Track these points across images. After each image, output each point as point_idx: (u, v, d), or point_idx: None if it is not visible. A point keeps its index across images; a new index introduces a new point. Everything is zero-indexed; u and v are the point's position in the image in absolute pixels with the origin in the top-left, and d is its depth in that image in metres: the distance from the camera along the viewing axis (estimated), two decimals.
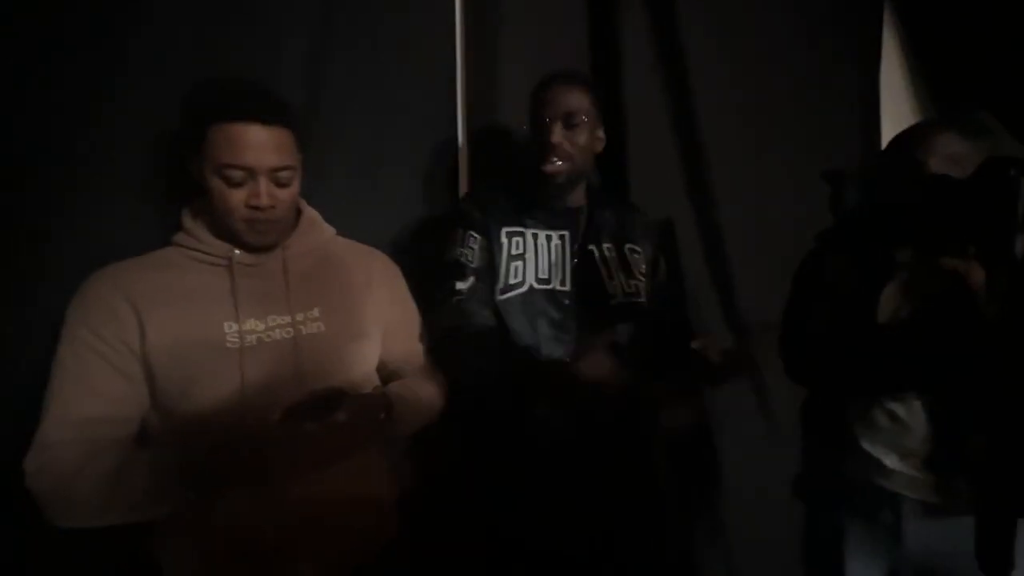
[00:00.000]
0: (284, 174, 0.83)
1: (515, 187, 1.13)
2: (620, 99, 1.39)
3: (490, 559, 1.07)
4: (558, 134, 1.03)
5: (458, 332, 1.04)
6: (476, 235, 1.07)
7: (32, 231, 0.93)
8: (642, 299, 1.13)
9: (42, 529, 0.74)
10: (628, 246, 1.15)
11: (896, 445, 0.91)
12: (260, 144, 0.79)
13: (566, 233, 1.10)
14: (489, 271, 1.07)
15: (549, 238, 1.09)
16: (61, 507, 0.74)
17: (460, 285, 1.04)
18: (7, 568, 0.90)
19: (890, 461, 0.92)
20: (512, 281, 1.06)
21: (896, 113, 1.61)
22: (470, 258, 1.06)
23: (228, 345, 0.82)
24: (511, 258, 1.07)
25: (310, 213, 0.98)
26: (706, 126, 1.43)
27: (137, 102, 0.99)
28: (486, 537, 1.08)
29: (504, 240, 1.07)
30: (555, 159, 1.03)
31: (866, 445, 0.94)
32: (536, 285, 1.07)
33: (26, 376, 0.79)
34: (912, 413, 0.90)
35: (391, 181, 1.26)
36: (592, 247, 1.12)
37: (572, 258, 1.10)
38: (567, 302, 1.07)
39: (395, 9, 1.24)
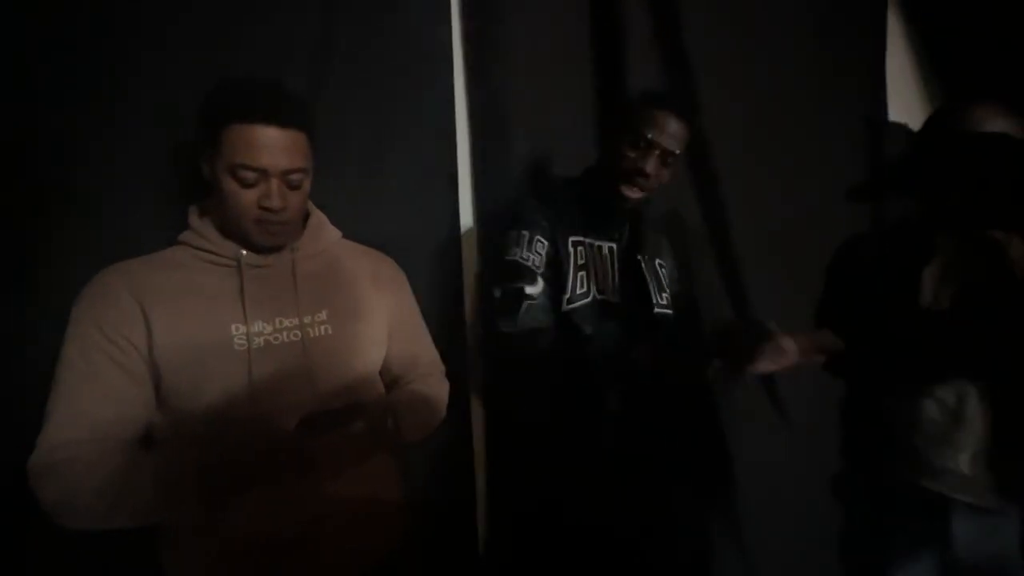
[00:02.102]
0: (296, 176, 0.83)
1: (572, 195, 1.12)
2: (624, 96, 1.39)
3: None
4: (654, 165, 1.00)
5: (534, 336, 1.02)
6: (544, 240, 1.05)
7: (41, 229, 0.92)
8: (670, 311, 1.16)
9: (45, 532, 0.73)
10: (658, 260, 1.18)
11: (947, 440, 0.87)
12: (275, 146, 0.79)
13: (614, 245, 1.12)
14: (554, 279, 1.05)
15: (600, 248, 1.11)
16: (67, 509, 0.73)
17: (531, 290, 1.02)
18: (9, 571, 0.88)
19: (940, 460, 0.87)
20: (579, 291, 1.06)
21: (903, 105, 1.64)
22: (537, 263, 1.04)
23: (236, 347, 0.82)
24: (577, 268, 1.06)
25: (318, 215, 0.97)
26: (709, 119, 1.43)
27: (144, 101, 0.98)
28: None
29: (571, 249, 1.06)
30: (640, 185, 1.02)
31: (913, 442, 0.90)
32: (598, 296, 1.07)
33: (35, 375, 0.77)
34: (966, 404, 0.86)
35: (390, 183, 1.25)
36: (638, 257, 1.14)
37: (621, 267, 1.11)
38: (617, 312, 1.09)
39: (394, 11, 1.24)
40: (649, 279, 1.13)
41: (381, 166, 1.24)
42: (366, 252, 1.04)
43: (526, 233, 1.05)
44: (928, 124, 0.91)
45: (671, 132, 1.00)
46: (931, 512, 0.90)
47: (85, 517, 0.73)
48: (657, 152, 1.00)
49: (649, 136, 0.99)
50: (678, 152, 1.02)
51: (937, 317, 0.86)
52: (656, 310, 1.12)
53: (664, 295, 1.15)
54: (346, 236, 1.02)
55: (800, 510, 1.26)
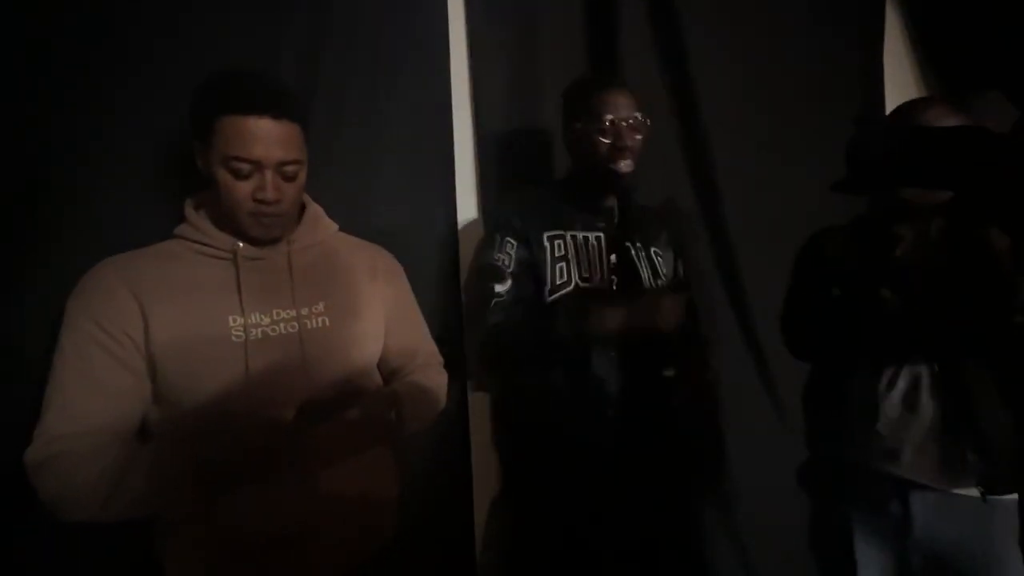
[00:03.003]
0: (291, 168, 0.83)
1: (555, 193, 1.17)
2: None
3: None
4: (628, 137, 1.07)
5: (502, 328, 1.08)
6: (513, 241, 1.11)
7: (38, 224, 0.92)
8: None
9: (44, 524, 0.74)
10: (653, 248, 1.19)
11: (903, 423, 0.90)
12: (269, 137, 0.79)
13: (601, 235, 1.14)
14: (528, 276, 1.11)
15: (587, 239, 1.13)
16: (63, 502, 0.73)
17: (499, 288, 1.09)
18: (6, 565, 0.88)
19: (896, 443, 0.91)
20: (559, 281, 1.10)
21: (900, 99, 1.64)
22: (507, 263, 1.10)
23: (233, 339, 0.81)
24: (555, 260, 1.10)
25: (314, 208, 0.97)
26: (707, 110, 1.44)
27: (140, 93, 0.98)
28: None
29: (546, 244, 1.11)
30: (628, 160, 1.08)
31: (871, 426, 0.93)
32: (581, 284, 1.10)
33: (34, 370, 0.77)
34: (919, 387, 0.90)
35: (387, 176, 1.25)
36: (628, 244, 1.16)
37: (609, 255, 1.13)
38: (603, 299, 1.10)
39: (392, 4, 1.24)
40: (640, 265, 1.15)
41: (378, 159, 1.24)
42: (363, 245, 1.04)
43: (498, 236, 1.13)
44: (891, 119, 0.95)
45: (624, 104, 1.08)
46: (891, 495, 0.94)
47: (81, 509, 0.73)
48: (624, 125, 1.07)
49: (609, 118, 1.07)
50: (636, 115, 1.08)
51: (897, 301, 0.90)
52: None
53: (659, 282, 1.16)
54: (343, 229, 1.02)
55: (797, 503, 1.26)
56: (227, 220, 0.84)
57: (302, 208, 0.95)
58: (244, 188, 0.80)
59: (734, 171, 1.47)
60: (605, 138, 1.07)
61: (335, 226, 1.00)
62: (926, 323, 0.88)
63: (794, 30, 1.56)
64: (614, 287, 1.11)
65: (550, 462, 1.11)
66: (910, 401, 0.91)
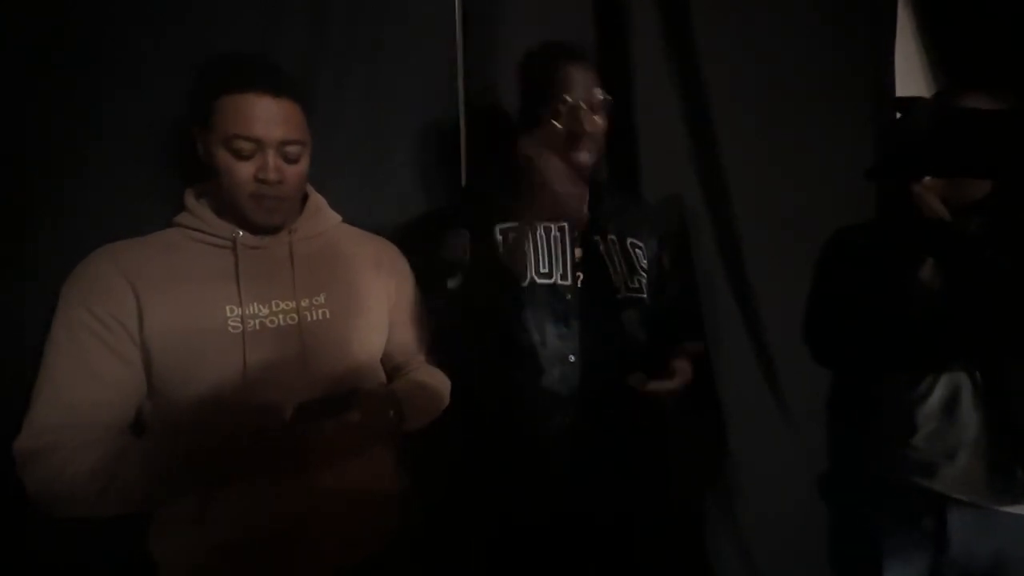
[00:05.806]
0: (293, 149, 0.81)
1: (513, 176, 1.03)
2: (629, 80, 1.36)
3: (495, 551, 1.04)
4: (590, 121, 0.97)
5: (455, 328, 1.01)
6: (466, 232, 1.03)
7: (37, 212, 0.90)
8: (644, 295, 1.07)
9: (32, 522, 0.71)
10: (630, 240, 1.09)
11: (942, 437, 0.86)
12: (270, 116, 0.77)
13: (565, 225, 1.04)
14: (482, 271, 1.02)
15: (548, 230, 1.03)
16: (53, 496, 0.70)
17: (451, 283, 1.00)
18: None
19: (935, 457, 0.86)
20: None
21: (911, 93, 1.59)
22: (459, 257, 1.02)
23: (230, 330, 0.79)
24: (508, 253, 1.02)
25: (317, 198, 0.95)
26: (717, 106, 1.40)
27: (140, 80, 0.96)
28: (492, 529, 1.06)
29: (499, 237, 1.02)
30: (588, 149, 0.98)
31: (907, 439, 0.88)
32: (537, 280, 1.01)
33: (30, 359, 0.74)
34: (960, 399, 0.85)
35: (390, 167, 1.22)
36: (596, 238, 1.06)
37: (573, 249, 1.04)
38: (568, 297, 1.02)
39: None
40: (612, 260, 1.05)
41: (383, 148, 1.21)
42: (368, 237, 1.01)
43: (450, 229, 1.04)
44: (935, 106, 0.88)
45: (582, 82, 0.96)
46: (925, 511, 0.88)
47: (71, 504, 0.70)
48: (583, 108, 0.96)
49: (568, 98, 0.95)
50: (597, 93, 0.97)
51: (934, 302, 0.84)
52: (624, 294, 1.04)
53: (636, 278, 1.06)
54: (346, 221, 0.99)
55: (802, 507, 1.21)
56: (228, 206, 0.82)
57: (305, 199, 0.93)
58: (246, 169, 0.78)
59: (743, 169, 1.43)
60: (559, 123, 0.96)
61: (338, 217, 0.97)
62: (968, 326, 0.83)
63: (805, 29, 1.53)
64: (579, 284, 1.03)
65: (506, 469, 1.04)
66: (949, 411, 0.86)
